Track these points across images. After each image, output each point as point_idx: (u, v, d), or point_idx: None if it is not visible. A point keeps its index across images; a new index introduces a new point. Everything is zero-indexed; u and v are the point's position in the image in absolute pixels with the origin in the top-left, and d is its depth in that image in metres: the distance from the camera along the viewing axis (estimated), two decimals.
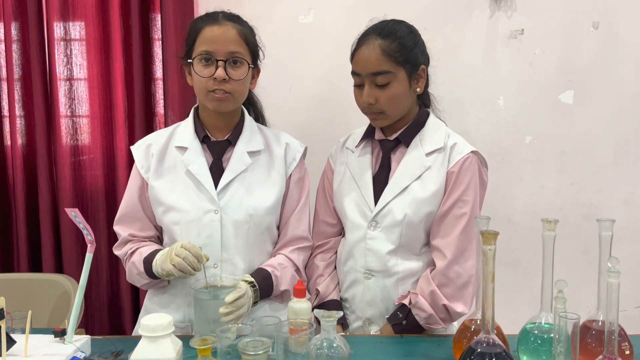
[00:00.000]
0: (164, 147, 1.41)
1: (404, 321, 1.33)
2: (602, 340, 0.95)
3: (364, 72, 1.33)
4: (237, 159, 1.38)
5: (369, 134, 1.45)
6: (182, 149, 1.39)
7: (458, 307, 1.32)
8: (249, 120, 1.46)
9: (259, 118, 1.57)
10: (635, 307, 2.05)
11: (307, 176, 1.49)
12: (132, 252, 1.39)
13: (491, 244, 0.94)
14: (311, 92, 2.02)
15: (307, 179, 1.49)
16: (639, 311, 2.04)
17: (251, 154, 1.40)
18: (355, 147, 1.47)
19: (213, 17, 1.35)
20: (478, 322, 1.09)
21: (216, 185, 1.36)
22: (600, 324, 1.05)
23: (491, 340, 0.97)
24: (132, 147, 1.45)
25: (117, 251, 1.43)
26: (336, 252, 1.51)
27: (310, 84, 2.02)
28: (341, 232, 1.52)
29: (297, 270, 1.43)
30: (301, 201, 1.45)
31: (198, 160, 1.37)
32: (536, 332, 1.07)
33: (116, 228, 1.44)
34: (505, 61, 1.98)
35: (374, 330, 1.40)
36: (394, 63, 1.32)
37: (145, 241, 1.42)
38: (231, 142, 1.40)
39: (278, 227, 1.46)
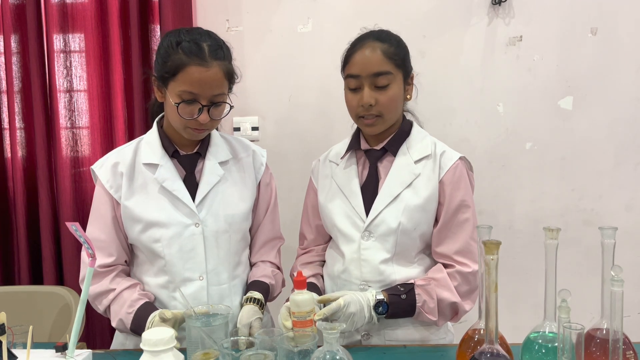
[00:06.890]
0: (132, 165, 1.36)
1: (403, 295, 1.29)
2: (607, 349, 0.94)
3: (365, 73, 1.32)
4: (209, 171, 1.37)
5: (354, 145, 1.44)
6: (152, 165, 1.35)
7: (467, 305, 1.35)
8: (214, 130, 1.44)
9: None
10: (639, 313, 2.04)
11: (273, 179, 1.52)
12: (108, 308, 1.33)
13: (494, 253, 0.94)
14: (310, 100, 2.03)
15: (274, 182, 1.52)
16: None
17: (221, 164, 1.40)
18: (340, 158, 1.46)
19: (200, 56, 1.24)
20: (481, 332, 1.09)
21: (193, 199, 1.34)
22: (604, 332, 1.04)
23: (495, 351, 0.97)
24: (93, 167, 1.38)
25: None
26: (319, 259, 1.52)
27: (309, 92, 2.02)
28: (320, 243, 1.54)
29: (279, 269, 1.50)
30: (271, 203, 1.49)
31: (172, 176, 1.34)
32: (540, 341, 1.06)
33: (84, 254, 1.37)
34: (504, 68, 1.98)
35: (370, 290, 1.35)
36: (393, 65, 1.33)
37: (110, 277, 1.35)
38: (201, 155, 1.39)
39: (250, 231, 1.48)
